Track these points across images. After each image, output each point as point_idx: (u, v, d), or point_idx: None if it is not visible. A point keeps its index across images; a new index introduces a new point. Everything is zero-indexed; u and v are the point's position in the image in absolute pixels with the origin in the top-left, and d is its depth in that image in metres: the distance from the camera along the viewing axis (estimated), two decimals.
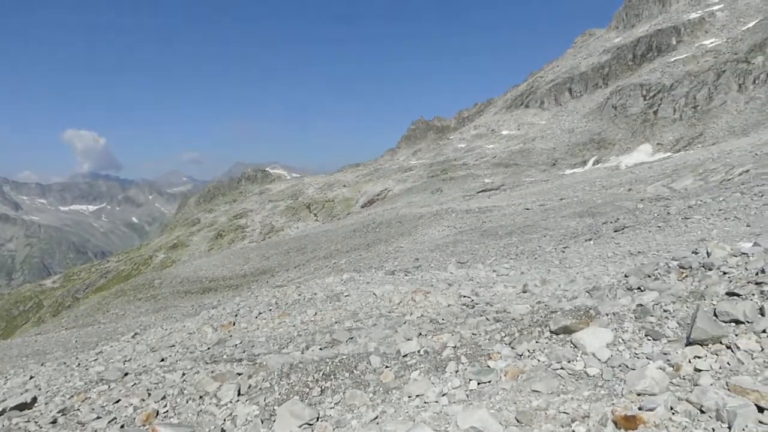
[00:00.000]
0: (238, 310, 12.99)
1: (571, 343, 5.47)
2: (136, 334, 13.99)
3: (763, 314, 4.89)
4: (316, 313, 10.78)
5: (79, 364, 10.63)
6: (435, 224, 33.20)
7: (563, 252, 17.01)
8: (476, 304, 9.77)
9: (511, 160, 64.08)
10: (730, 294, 5.44)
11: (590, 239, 18.19)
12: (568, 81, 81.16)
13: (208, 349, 9.60)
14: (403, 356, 6.50)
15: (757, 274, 5.67)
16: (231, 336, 10.35)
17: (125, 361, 9.89)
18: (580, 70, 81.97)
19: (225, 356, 8.52)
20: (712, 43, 66.72)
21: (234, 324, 11.13)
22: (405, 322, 8.82)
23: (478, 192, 52.75)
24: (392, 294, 11.29)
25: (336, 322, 10.02)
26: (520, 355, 5.60)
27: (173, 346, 10.56)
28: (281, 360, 7.12)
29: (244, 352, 8.72)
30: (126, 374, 8.12)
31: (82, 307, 46.07)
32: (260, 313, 11.74)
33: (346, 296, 11.93)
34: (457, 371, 5.63)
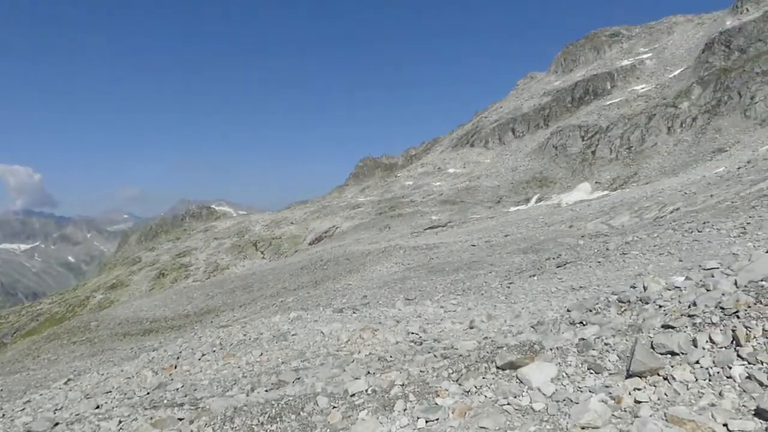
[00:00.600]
0: (181, 351, 12.52)
1: (517, 378, 5.53)
2: (69, 380, 13.22)
3: (696, 345, 5.09)
4: (262, 354, 10.51)
5: (3, 415, 9.94)
6: (383, 261, 33.25)
7: (509, 287, 17.32)
8: (424, 340, 9.77)
9: (458, 198, 65.32)
10: (666, 327, 5.65)
11: (534, 275, 18.61)
12: (512, 121, 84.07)
13: (148, 393, 9.18)
14: (351, 396, 6.40)
15: (689, 306, 5.92)
16: (172, 379, 9.94)
17: (56, 409, 9.33)
18: (523, 111, 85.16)
19: (165, 401, 8.16)
20: (642, 88, 70.84)
21: (176, 367, 10.71)
22: (353, 361, 8.71)
23: (426, 229, 53.33)
24: (340, 332, 11.17)
25: (283, 363, 9.79)
26: (468, 392, 5.61)
27: (110, 392, 10.04)
28: (225, 403, 6.88)
29: (186, 396, 8.39)
30: (56, 424, 7.64)
31: (9, 353, 43.37)
32: (204, 355, 11.35)
33: (293, 335, 11.71)
34: (405, 410, 5.58)
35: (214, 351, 11.63)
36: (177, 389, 9.04)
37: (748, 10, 70.92)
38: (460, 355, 7.12)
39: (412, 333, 10.56)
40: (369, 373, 7.41)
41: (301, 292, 31.11)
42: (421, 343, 9.50)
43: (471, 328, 10.55)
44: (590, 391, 4.98)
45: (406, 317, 13.28)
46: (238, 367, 9.97)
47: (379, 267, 31.60)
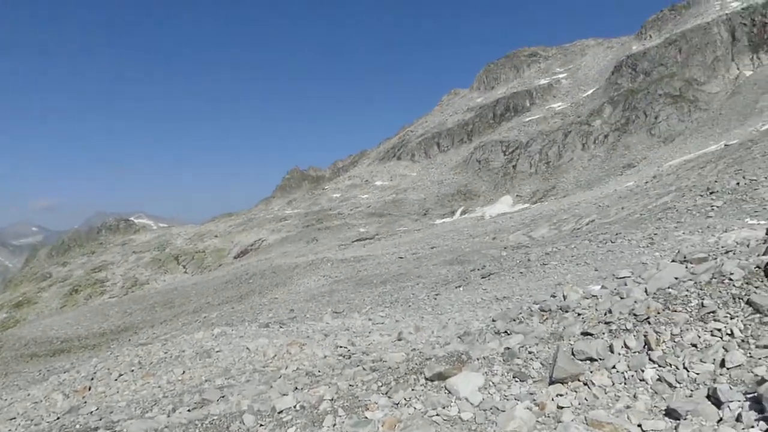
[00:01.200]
0: (95, 372, 11.81)
1: (446, 389, 5.59)
2: None
3: (612, 351, 5.34)
4: (184, 372, 10.10)
5: None
6: (311, 274, 32.92)
7: (435, 299, 17.57)
8: (353, 354, 9.72)
9: (385, 210, 65.85)
10: (585, 334, 5.90)
11: (460, 286, 18.99)
12: (437, 136, 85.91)
13: (58, 419, 8.59)
14: (279, 413, 6.25)
15: (605, 314, 6.22)
16: (86, 402, 9.35)
17: None
18: (447, 126, 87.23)
19: (78, 426, 7.66)
20: (559, 106, 74.42)
21: (90, 389, 10.09)
22: (280, 377, 8.53)
23: (354, 241, 53.34)
24: (267, 347, 10.92)
25: (206, 380, 9.45)
26: (397, 404, 5.61)
27: (14, 418, 9.32)
28: (144, 426, 6.54)
29: (101, 419, 7.90)
30: None
31: None
32: (121, 375, 10.77)
33: (217, 352, 11.33)
34: (334, 425, 5.50)
35: (132, 370, 11.06)
36: (91, 413, 8.51)
37: (651, 36, 76.30)
38: (389, 368, 7.13)
39: (341, 346, 10.48)
40: (297, 388, 7.27)
41: (226, 307, 30.24)
42: (349, 357, 9.44)
43: (399, 339, 10.60)
44: (516, 399, 5.11)
45: (334, 331, 13.18)
46: (159, 387, 9.53)
47: (307, 280, 31.26)
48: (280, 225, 73.53)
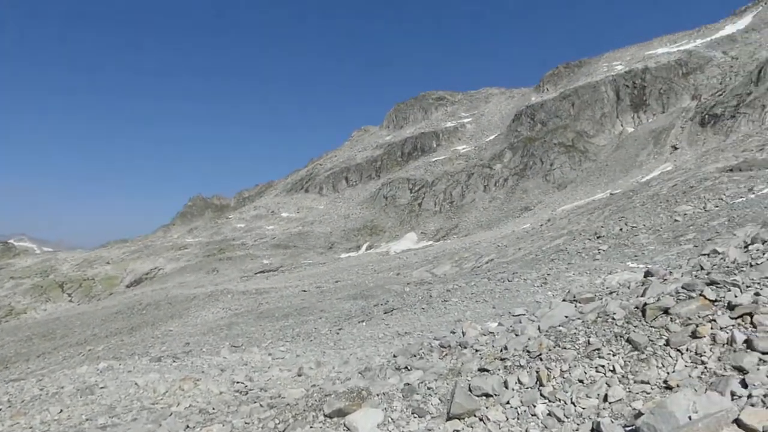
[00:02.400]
0: None
1: (345, 425, 5.51)
2: None
3: (506, 387, 5.52)
4: (61, 411, 9.26)
5: None
6: (209, 306, 31.63)
7: (338, 333, 17.41)
8: (250, 390, 9.37)
9: (290, 242, 64.98)
10: (482, 369, 6.06)
11: (363, 321, 18.97)
12: (345, 170, 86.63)
13: None
14: None
15: (501, 350, 6.43)
16: None
17: None
18: (356, 162, 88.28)
19: None
20: (464, 149, 77.73)
21: None
22: (171, 414, 8.04)
23: (257, 273, 52.03)
24: (157, 383, 10.28)
25: (87, 420, 8.71)
26: None
27: None
28: None
29: None
30: None
31: None
32: None
33: (101, 388, 10.51)
34: None
35: (0, 409, 9.99)
36: None
37: (548, 89, 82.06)
38: (288, 404, 6.93)
39: (238, 382, 10.08)
40: (188, 427, 6.88)
41: (114, 339, 28.26)
42: (246, 393, 9.09)
43: (299, 375, 10.37)
44: None
45: (231, 365, 12.68)
46: (30, 428, 8.66)
47: (205, 312, 29.98)
48: (179, 254, 70.42)
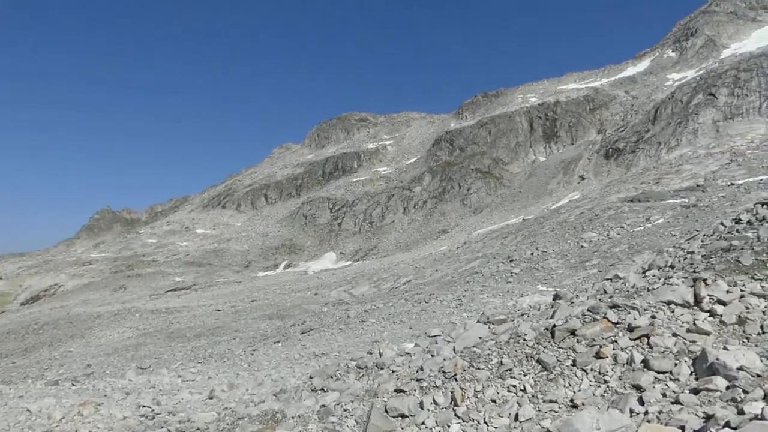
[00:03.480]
0: None
1: None
2: None
3: (422, 407, 5.57)
4: None
5: None
6: (115, 325, 29.91)
7: (252, 354, 16.96)
8: (157, 414, 8.91)
9: (205, 260, 62.88)
10: (398, 390, 6.09)
11: (279, 341, 18.60)
12: (265, 188, 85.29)
13: None
14: None
15: (417, 371, 6.50)
16: None
17: None
18: (276, 179, 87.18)
19: None
20: (384, 170, 78.73)
21: None
22: None
23: (168, 291, 49.86)
24: (53, 409, 9.55)
25: None
26: None
27: None
28: None
29: None
30: None
31: None
32: None
33: None
34: None
35: None
36: None
37: (466, 117, 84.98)
38: (198, 429, 6.65)
39: (144, 406, 9.56)
40: None
41: (5, 361, 26.04)
42: (153, 417, 8.64)
43: (211, 398, 9.98)
44: None
45: (137, 388, 12.02)
46: None
47: (110, 332, 28.31)
48: (83, 269, 66.30)
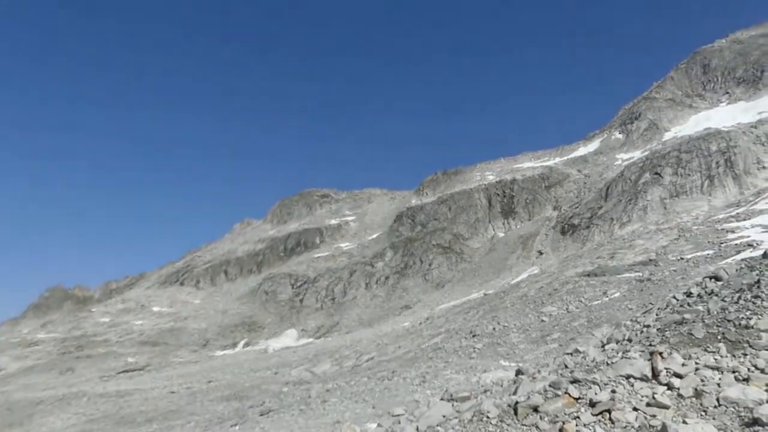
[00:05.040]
0: None
1: None
2: None
3: None
4: None
5: None
6: (59, 411, 28.10)
7: None
8: None
9: (161, 339, 60.49)
10: None
11: (236, 424, 17.78)
12: (225, 263, 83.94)
13: None
14: None
15: None
16: None
17: None
18: (237, 255, 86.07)
19: None
20: (347, 246, 78.76)
21: None
22: None
23: (120, 372, 47.47)
24: None
25: None
26: None
27: None
28: None
29: None
30: None
31: None
32: None
33: None
34: None
35: None
36: None
37: (427, 193, 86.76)
38: None
39: None
40: None
41: None
42: None
43: None
44: None
45: None
46: None
47: (53, 419, 26.54)
48: (27, 351, 62.80)
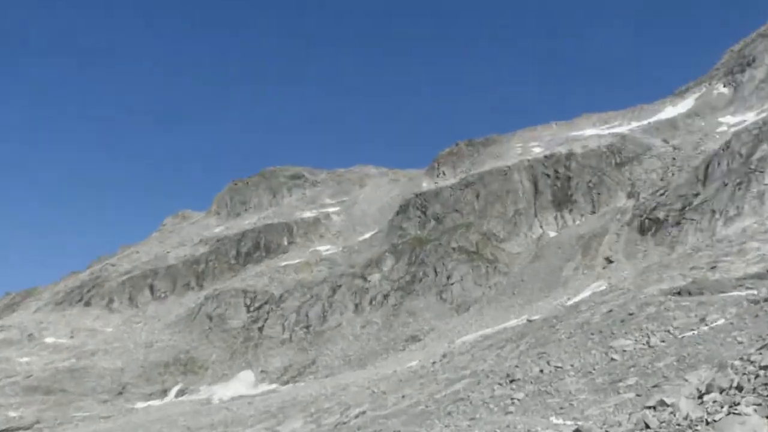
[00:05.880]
0: None
1: None
2: None
3: None
4: None
5: None
6: None
7: None
8: None
9: (57, 384, 60.56)
10: None
11: None
12: (151, 275, 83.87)
13: None
14: None
15: None
16: None
17: None
18: (168, 263, 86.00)
19: None
20: (327, 250, 78.71)
21: None
22: None
23: None
24: None
25: None
26: None
27: None
28: None
29: None
30: None
31: None
32: None
33: None
34: None
35: None
36: None
37: (444, 173, 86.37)
38: None
39: None
40: None
41: None
42: None
43: None
44: None
45: None
46: None
47: None
48: None
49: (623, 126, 78.16)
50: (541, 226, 65.86)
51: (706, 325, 24.85)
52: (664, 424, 7.26)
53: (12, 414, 53.70)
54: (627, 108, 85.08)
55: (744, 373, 8.57)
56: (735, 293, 28.59)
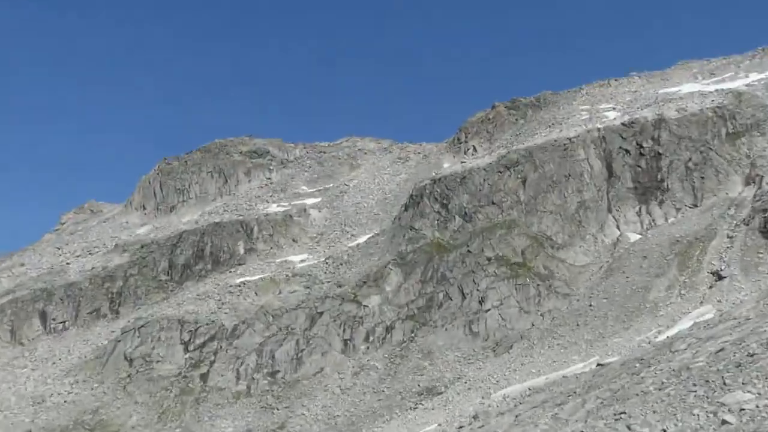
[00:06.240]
0: None
1: None
2: None
3: None
4: None
5: None
6: None
7: None
8: None
9: None
10: None
11: None
12: (43, 297, 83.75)
13: None
14: None
15: None
16: None
17: None
18: (68, 279, 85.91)
19: None
20: (304, 261, 78.50)
21: None
22: None
23: None
24: None
25: None
26: None
27: None
28: None
29: None
30: None
31: None
32: None
33: None
34: None
35: None
36: None
37: (475, 149, 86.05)
38: None
39: None
40: None
41: None
42: None
43: None
44: None
45: None
46: None
47: None
48: None
49: (735, 80, 77.84)
50: (617, 227, 65.63)
51: None
52: None
53: None
54: (743, 53, 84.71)
55: None
56: None
